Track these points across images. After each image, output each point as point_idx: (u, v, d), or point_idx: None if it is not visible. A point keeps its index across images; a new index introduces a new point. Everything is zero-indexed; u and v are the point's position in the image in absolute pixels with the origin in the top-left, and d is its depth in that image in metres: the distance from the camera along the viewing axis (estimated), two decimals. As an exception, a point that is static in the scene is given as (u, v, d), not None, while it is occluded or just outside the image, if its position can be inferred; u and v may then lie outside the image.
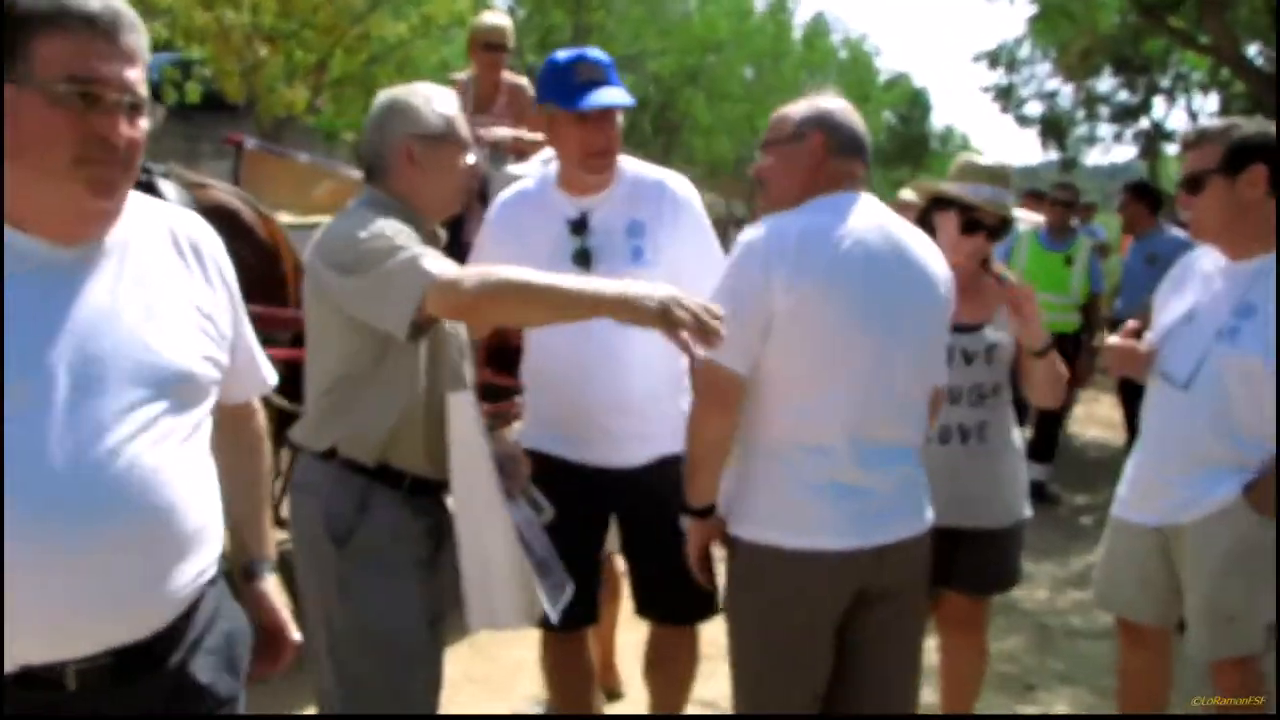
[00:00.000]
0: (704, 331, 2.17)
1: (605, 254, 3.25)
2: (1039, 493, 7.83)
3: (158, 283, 1.87)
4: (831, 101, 2.87)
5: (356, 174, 7.96)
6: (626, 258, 3.25)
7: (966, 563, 3.58)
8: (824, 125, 2.80)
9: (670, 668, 3.60)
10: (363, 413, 2.65)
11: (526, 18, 20.03)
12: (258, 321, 4.35)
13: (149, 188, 4.88)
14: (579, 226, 3.27)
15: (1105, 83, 27.52)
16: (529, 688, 4.48)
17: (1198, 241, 3.50)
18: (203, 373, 1.89)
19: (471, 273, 2.43)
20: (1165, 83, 27.41)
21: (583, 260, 3.24)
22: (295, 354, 5.45)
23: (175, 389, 1.84)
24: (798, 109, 2.86)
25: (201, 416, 1.91)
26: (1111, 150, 30.19)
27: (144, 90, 1.77)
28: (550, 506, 3.01)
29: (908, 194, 9.41)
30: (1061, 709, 4.60)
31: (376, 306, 2.47)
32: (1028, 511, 3.70)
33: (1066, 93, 29.19)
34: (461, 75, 6.46)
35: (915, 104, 47.14)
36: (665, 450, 3.25)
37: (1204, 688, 3.50)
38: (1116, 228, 11.98)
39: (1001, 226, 3.64)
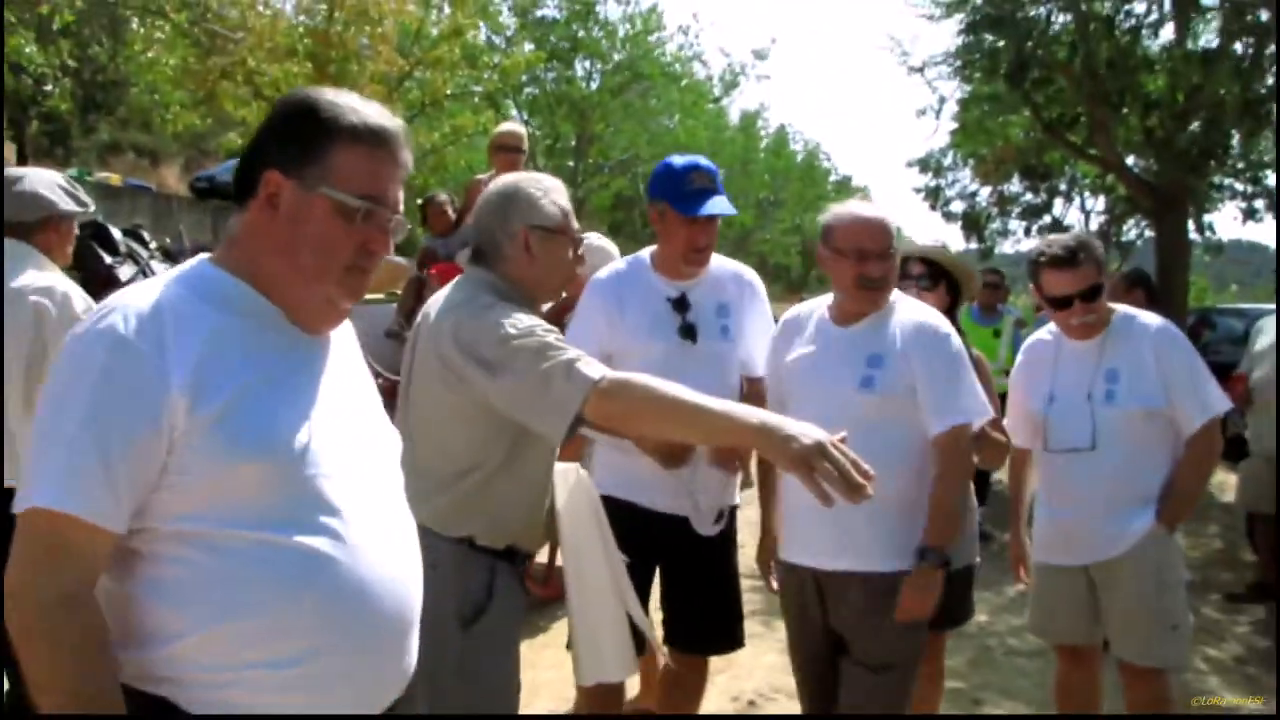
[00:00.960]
0: (851, 487, 1.74)
1: (702, 330, 3.21)
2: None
3: (355, 366, 1.72)
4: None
5: (397, 259, 8.05)
6: (718, 335, 3.24)
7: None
8: None
9: (687, 688, 3.47)
10: (503, 504, 2.40)
11: (538, 128, 20.26)
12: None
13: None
14: (681, 304, 3.20)
15: (1015, 186, 27.89)
16: (547, 705, 4.39)
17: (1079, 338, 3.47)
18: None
19: (629, 383, 2.07)
20: (1063, 186, 27.78)
21: (689, 334, 3.18)
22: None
23: (397, 463, 1.72)
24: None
25: None
26: (1021, 242, 30.30)
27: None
28: (624, 556, 2.75)
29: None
30: None
31: (534, 408, 2.13)
32: (978, 557, 3.70)
33: (984, 194, 29.51)
34: (484, 176, 6.56)
35: (859, 202, 47.49)
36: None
37: (1119, 697, 3.53)
38: (1026, 306, 12.16)
39: (934, 277, 3.64)
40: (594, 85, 19.88)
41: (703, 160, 3.23)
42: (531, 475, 2.42)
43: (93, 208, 3.63)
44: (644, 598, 3.17)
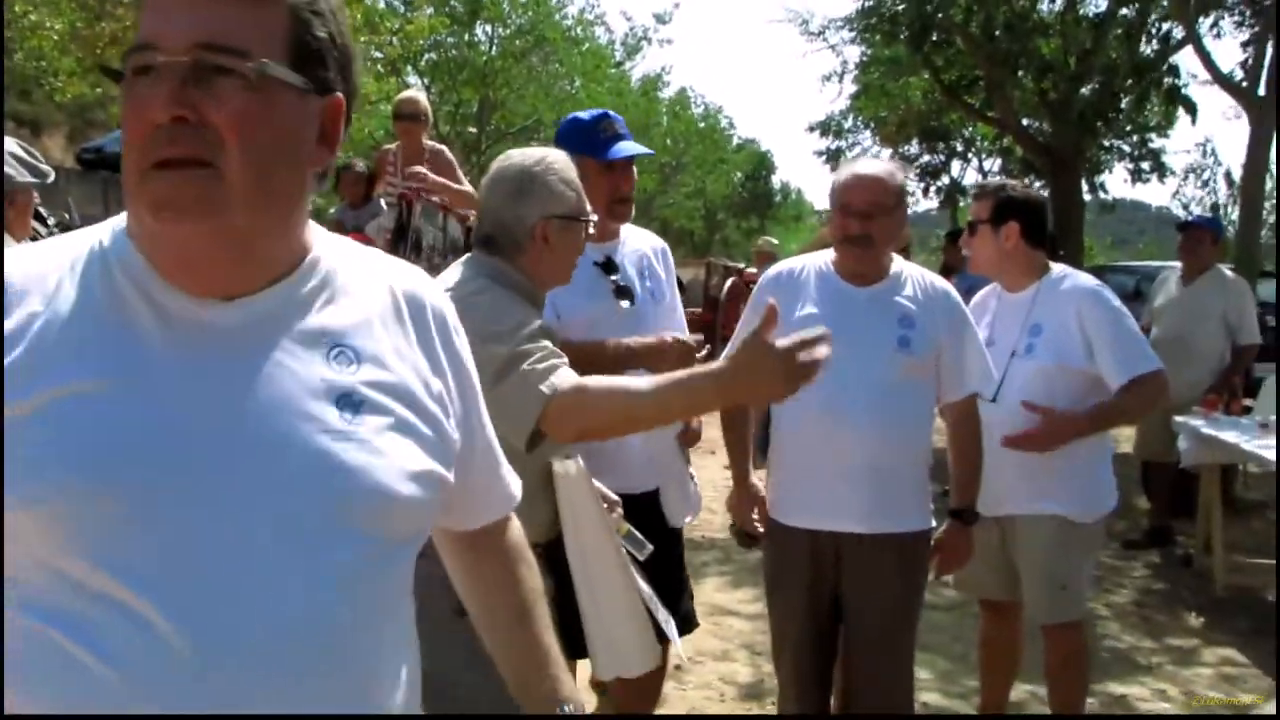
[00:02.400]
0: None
1: (633, 291, 3.11)
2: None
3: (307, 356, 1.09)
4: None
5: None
6: (647, 296, 3.16)
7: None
8: None
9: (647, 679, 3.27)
10: None
11: (440, 94, 19.94)
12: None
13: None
14: (609, 267, 3.07)
15: (914, 148, 28.45)
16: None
17: (977, 273, 3.73)
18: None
19: (585, 390, 2.04)
20: (960, 147, 28.42)
21: (625, 294, 3.05)
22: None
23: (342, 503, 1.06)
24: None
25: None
26: (920, 202, 30.90)
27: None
28: (648, 543, 2.63)
29: (772, 240, 9.76)
30: (922, 674, 4.60)
31: (495, 416, 2.09)
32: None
33: (884, 156, 30.02)
34: (390, 146, 6.48)
35: (761, 165, 47.83)
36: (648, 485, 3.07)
37: (1038, 649, 3.62)
38: (928, 266, 12.48)
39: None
40: (495, 50, 19.66)
41: (611, 111, 3.16)
42: (522, 466, 2.24)
43: (51, 176, 3.38)
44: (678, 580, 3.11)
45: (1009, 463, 3.35)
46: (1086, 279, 3.55)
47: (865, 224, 2.88)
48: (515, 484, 1.45)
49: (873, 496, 2.86)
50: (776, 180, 52.31)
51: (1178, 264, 7.09)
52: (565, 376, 2.07)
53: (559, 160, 2.39)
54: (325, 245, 1.15)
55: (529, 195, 2.30)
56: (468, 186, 6.08)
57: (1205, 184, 20.60)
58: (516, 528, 1.50)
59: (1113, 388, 3.33)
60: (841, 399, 2.81)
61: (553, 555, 2.31)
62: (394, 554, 1.13)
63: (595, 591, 2.46)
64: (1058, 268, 3.56)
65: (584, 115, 3.16)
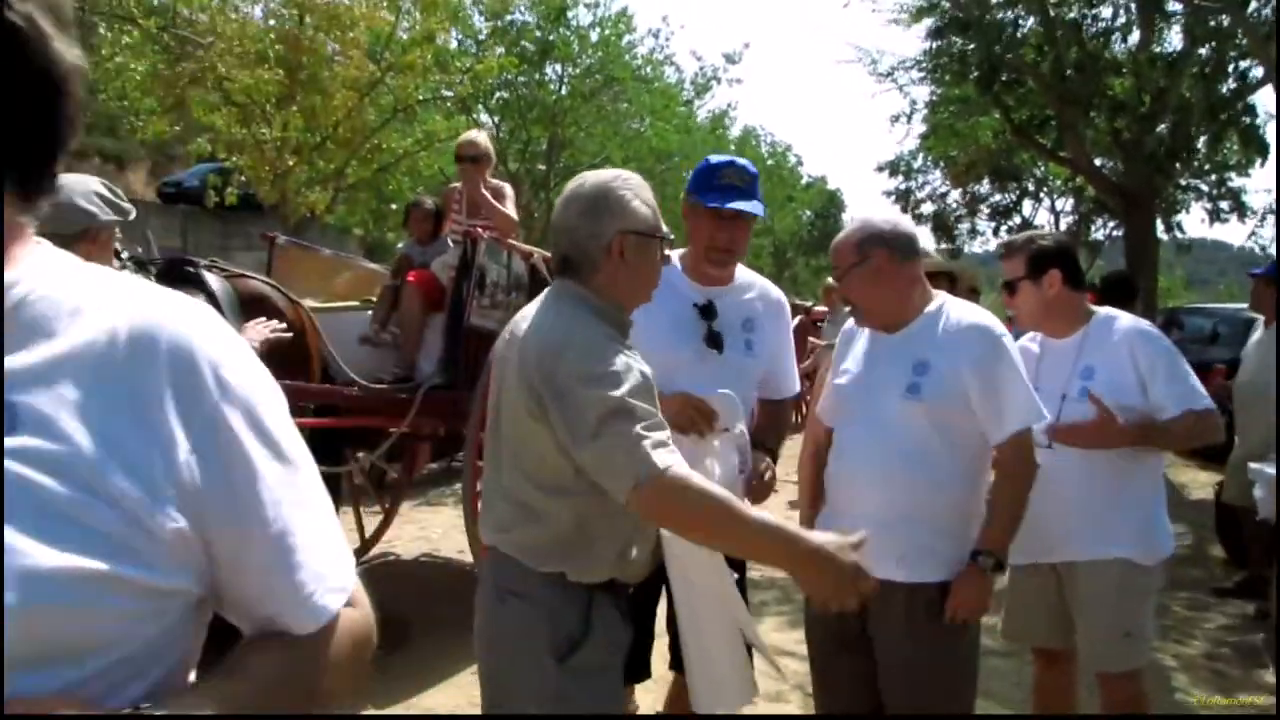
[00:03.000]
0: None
1: (727, 341, 3.09)
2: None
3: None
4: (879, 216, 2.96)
5: (371, 266, 8.04)
6: (742, 348, 3.14)
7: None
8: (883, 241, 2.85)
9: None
10: (595, 539, 2.19)
11: (509, 132, 20.24)
12: (291, 393, 4.44)
13: (197, 278, 4.94)
14: (708, 311, 3.08)
15: (984, 187, 28.21)
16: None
17: (1025, 328, 3.66)
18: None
19: (687, 488, 1.98)
20: (1032, 187, 28.11)
21: (715, 343, 3.05)
22: (319, 423, 5.57)
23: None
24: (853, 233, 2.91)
25: None
26: (990, 242, 30.54)
27: None
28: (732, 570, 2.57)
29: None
30: None
31: (594, 470, 2.04)
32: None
33: (954, 195, 29.81)
34: (456, 185, 6.58)
35: (831, 203, 47.77)
36: None
37: (1094, 697, 3.55)
38: (997, 304, 12.27)
39: (950, 288, 3.58)
40: (565, 89, 19.90)
41: (741, 160, 3.15)
42: (621, 509, 2.10)
43: (133, 213, 3.50)
44: (649, 618, 3.08)
45: (1070, 507, 3.32)
46: (1130, 317, 3.52)
47: (842, 288, 2.99)
48: (326, 590, 1.04)
49: (894, 543, 2.76)
50: (846, 219, 52.09)
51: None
52: (678, 460, 2.00)
53: (633, 179, 2.36)
54: (30, 266, 0.91)
55: (604, 211, 2.25)
56: (512, 212, 6.20)
57: (1262, 218, 20.04)
58: (344, 642, 1.09)
59: (1166, 416, 3.29)
60: (854, 448, 2.89)
61: (642, 596, 2.33)
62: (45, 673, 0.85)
63: (699, 624, 2.44)
64: (1103, 310, 3.53)
65: (715, 158, 3.19)
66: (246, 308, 4.96)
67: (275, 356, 5.00)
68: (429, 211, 6.80)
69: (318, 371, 5.49)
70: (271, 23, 11.44)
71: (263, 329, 4.28)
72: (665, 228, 2.37)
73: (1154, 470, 3.45)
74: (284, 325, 4.43)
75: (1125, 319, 3.50)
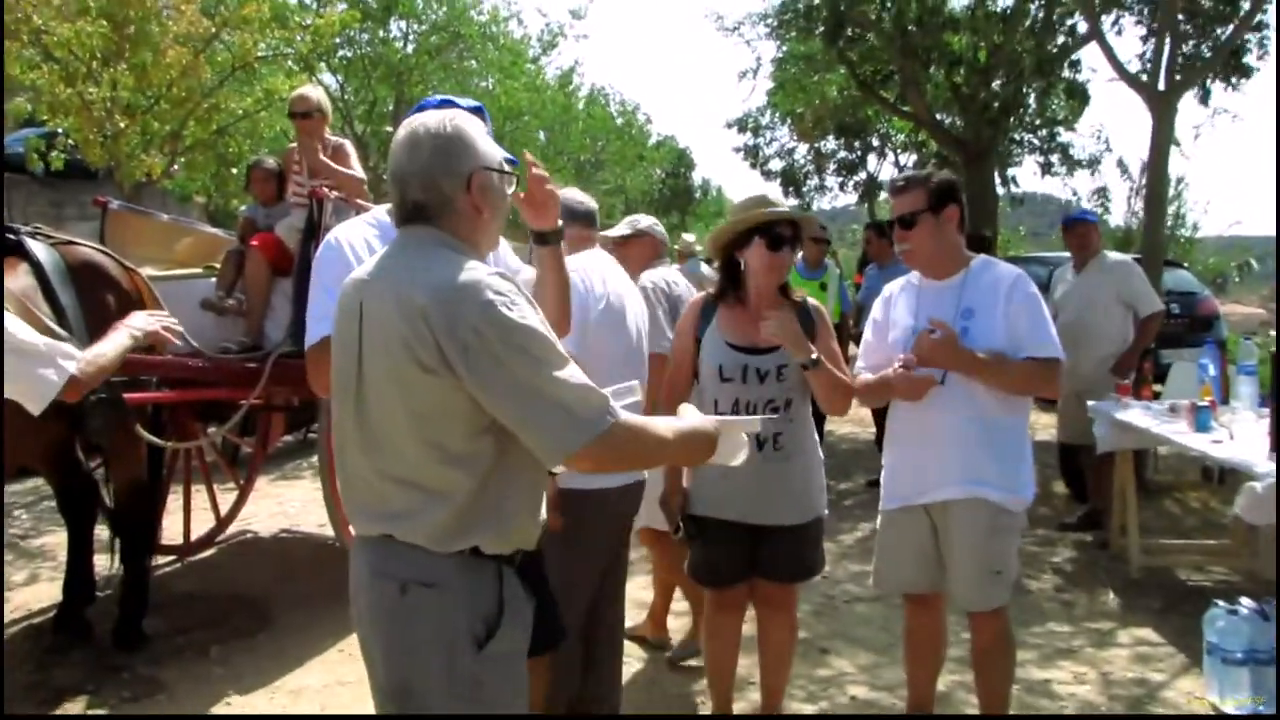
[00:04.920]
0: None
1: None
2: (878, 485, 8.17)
3: None
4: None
5: (213, 230, 7.67)
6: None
7: (770, 555, 3.61)
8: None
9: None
10: (508, 502, 2.04)
11: (355, 92, 19.57)
12: (128, 365, 4.19)
13: (18, 247, 4.62)
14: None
15: (830, 143, 28.82)
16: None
17: (913, 267, 3.72)
18: None
19: (633, 432, 1.98)
20: (876, 143, 28.83)
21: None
22: (163, 397, 5.30)
23: None
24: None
25: None
26: (839, 197, 31.28)
27: None
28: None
29: (689, 236, 9.82)
30: (848, 667, 4.68)
31: (527, 429, 1.92)
32: (824, 509, 3.71)
33: (801, 151, 30.39)
34: (295, 144, 6.32)
35: (681, 161, 47.86)
36: None
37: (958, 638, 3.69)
38: (846, 258, 12.60)
39: (795, 235, 3.54)
40: (410, 47, 19.33)
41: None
42: (530, 464, 2.03)
43: None
44: (545, 582, 2.59)
45: (946, 450, 3.42)
46: (1009, 266, 3.60)
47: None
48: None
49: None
50: (697, 176, 52.47)
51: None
52: (612, 402, 1.96)
53: (471, 116, 2.19)
54: None
55: (459, 150, 2.07)
56: (357, 170, 6.00)
57: (1092, 171, 21.11)
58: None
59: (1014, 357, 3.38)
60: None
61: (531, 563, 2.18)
62: None
63: None
64: (977, 256, 3.59)
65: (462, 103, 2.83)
66: (77, 276, 4.67)
67: (109, 329, 4.72)
68: (271, 172, 6.52)
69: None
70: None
71: (150, 320, 4.00)
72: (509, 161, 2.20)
73: (1023, 420, 3.56)
74: (174, 320, 4.16)
75: (1001, 265, 3.60)
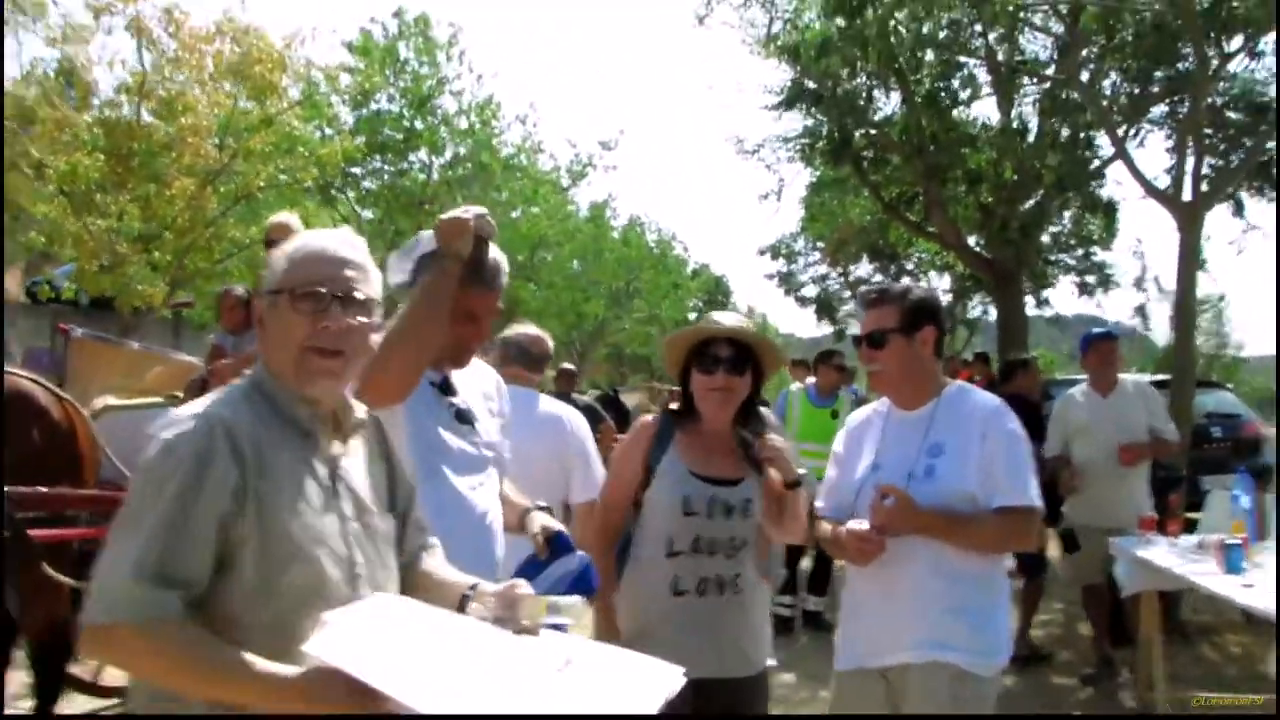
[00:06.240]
0: None
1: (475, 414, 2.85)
2: (817, 620, 7.63)
3: None
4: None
5: (187, 358, 7.52)
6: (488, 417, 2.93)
7: (719, 712, 3.05)
8: None
9: None
10: None
11: (377, 221, 19.81)
12: (48, 501, 3.91)
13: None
14: (446, 388, 2.81)
15: (863, 268, 28.73)
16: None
17: (879, 392, 3.34)
18: None
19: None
20: (910, 266, 28.67)
21: (464, 419, 2.80)
22: (79, 534, 4.98)
23: None
24: None
25: None
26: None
27: None
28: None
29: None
30: None
31: None
32: (770, 659, 3.24)
33: (834, 277, 30.34)
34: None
35: (717, 289, 48.20)
36: None
37: None
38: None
39: (744, 356, 3.09)
40: (433, 177, 19.56)
41: None
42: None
43: None
44: None
45: (903, 605, 2.99)
46: (989, 396, 3.20)
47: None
48: None
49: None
50: (740, 304, 52.69)
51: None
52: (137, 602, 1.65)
53: (327, 234, 2.01)
54: None
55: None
56: None
57: (1139, 287, 20.74)
58: None
59: (985, 506, 2.96)
60: None
61: None
62: None
63: None
64: (953, 383, 3.19)
65: None
66: (9, 404, 4.45)
67: (33, 462, 4.44)
68: (239, 299, 6.43)
69: (93, 476, 4.95)
70: (95, 109, 10.88)
71: None
72: (315, 283, 1.88)
73: (996, 570, 3.11)
74: None
75: (980, 394, 3.21)
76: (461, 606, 1.90)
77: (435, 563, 2.14)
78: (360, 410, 2.03)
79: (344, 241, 1.97)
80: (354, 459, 1.98)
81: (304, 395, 1.89)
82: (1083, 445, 6.30)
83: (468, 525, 2.70)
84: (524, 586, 1.92)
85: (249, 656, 1.66)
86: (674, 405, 3.29)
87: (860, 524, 3.01)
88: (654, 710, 1.55)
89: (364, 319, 1.90)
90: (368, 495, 1.97)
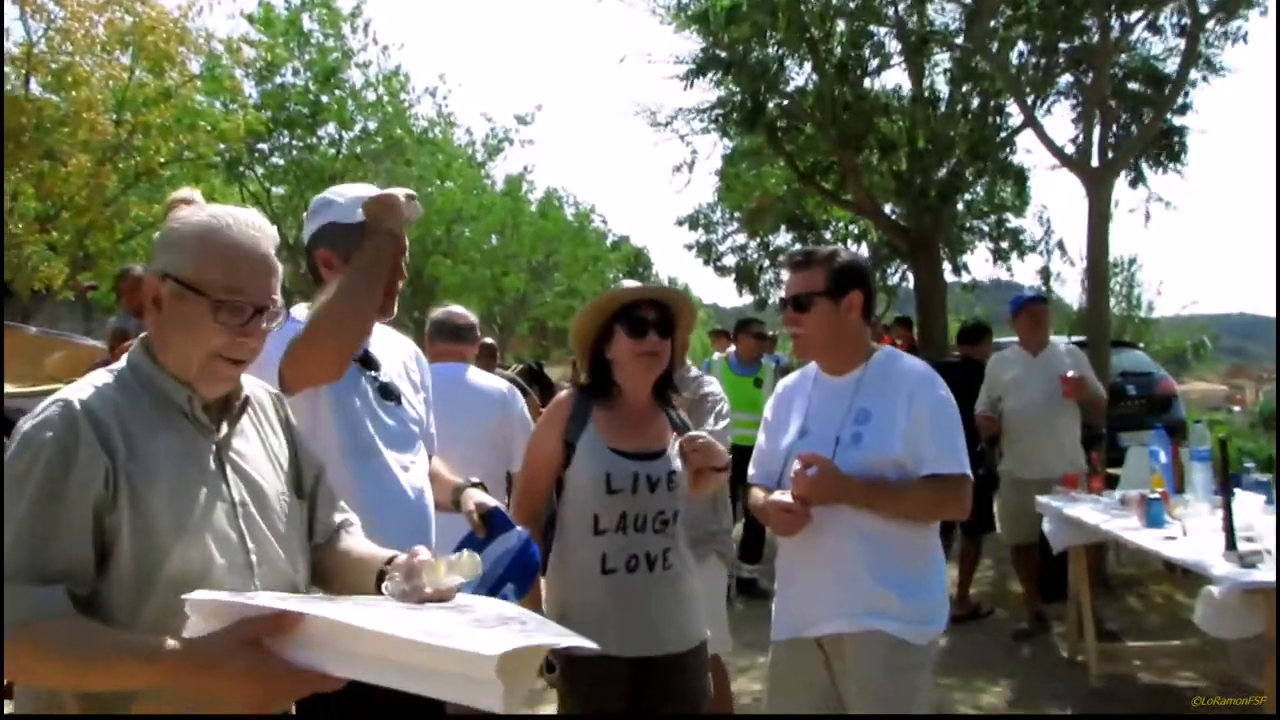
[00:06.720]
0: None
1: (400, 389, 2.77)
2: (751, 588, 7.65)
3: None
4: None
5: (90, 342, 7.28)
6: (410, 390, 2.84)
7: (661, 691, 3.02)
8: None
9: None
10: None
11: (285, 198, 19.32)
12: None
13: None
14: (368, 362, 2.70)
15: (782, 238, 28.83)
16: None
17: (803, 357, 3.30)
18: None
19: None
20: (829, 235, 28.86)
21: (389, 394, 2.70)
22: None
23: None
24: None
25: None
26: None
27: None
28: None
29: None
30: None
31: None
32: (707, 631, 3.20)
33: (754, 246, 30.40)
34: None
35: (638, 261, 48.13)
36: None
37: None
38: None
39: (667, 319, 3.05)
40: (341, 152, 19.12)
41: None
42: None
43: None
44: None
45: (834, 570, 2.96)
46: (917, 361, 3.19)
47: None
48: None
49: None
50: (657, 275, 52.63)
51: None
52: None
53: (238, 213, 1.86)
54: None
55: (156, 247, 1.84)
56: None
57: (1042, 251, 21.12)
58: None
59: (914, 474, 2.95)
60: None
61: None
62: None
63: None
64: (881, 348, 3.15)
65: None
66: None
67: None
68: (140, 279, 6.14)
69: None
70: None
71: None
72: (237, 288, 1.75)
73: (929, 535, 3.09)
74: None
75: (908, 360, 3.17)
76: (379, 584, 1.80)
77: (353, 541, 2.04)
78: (250, 387, 1.92)
79: (264, 234, 1.84)
80: (246, 440, 1.86)
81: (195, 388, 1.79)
82: (1015, 399, 6.42)
83: (402, 506, 2.61)
84: (423, 553, 1.82)
85: (128, 636, 1.59)
86: (583, 379, 3.20)
87: (784, 495, 2.98)
88: (503, 649, 1.45)
89: (273, 323, 1.81)
90: (265, 477, 1.86)
